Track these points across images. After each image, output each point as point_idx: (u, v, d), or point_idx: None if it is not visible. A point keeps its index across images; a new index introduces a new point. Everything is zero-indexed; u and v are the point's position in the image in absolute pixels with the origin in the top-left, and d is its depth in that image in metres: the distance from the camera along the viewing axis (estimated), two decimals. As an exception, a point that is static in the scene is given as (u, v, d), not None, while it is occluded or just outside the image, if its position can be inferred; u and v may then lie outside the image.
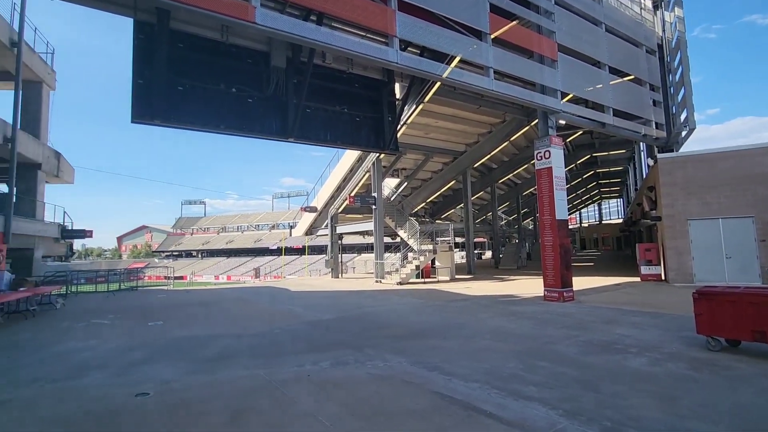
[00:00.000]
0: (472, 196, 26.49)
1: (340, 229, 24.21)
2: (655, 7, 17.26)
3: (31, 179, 16.54)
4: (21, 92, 14.55)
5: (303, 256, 62.14)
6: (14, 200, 13.99)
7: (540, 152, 11.73)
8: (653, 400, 4.16)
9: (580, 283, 14.33)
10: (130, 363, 6.21)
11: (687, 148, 17.24)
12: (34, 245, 15.82)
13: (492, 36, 10.52)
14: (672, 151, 16.22)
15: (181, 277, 50.49)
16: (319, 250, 58.28)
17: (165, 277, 29.31)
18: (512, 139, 22.91)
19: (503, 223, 40.31)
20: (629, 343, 6.41)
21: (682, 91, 15.99)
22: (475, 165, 25.05)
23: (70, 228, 17.45)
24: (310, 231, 26.10)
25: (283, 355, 6.44)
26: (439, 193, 27.94)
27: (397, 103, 14.81)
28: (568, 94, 12.49)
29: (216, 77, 10.94)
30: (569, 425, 3.64)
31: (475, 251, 43.84)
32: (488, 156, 24.22)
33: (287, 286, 20.15)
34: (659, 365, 5.29)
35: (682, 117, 16.19)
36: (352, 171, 21.46)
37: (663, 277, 15.16)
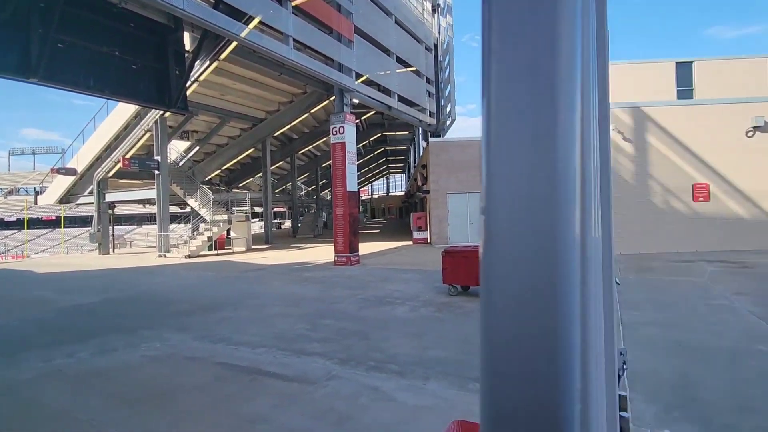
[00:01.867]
0: (272, 165, 26.07)
1: (111, 197, 20.30)
2: (434, 10, 20.10)
3: None
4: None
5: (57, 229, 49.60)
6: None
7: (335, 127, 12.42)
8: (408, 339, 5.15)
9: (366, 248, 16.09)
10: None
11: (450, 134, 21.09)
12: None
13: (293, 3, 10.38)
14: (440, 136, 19.57)
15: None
16: (82, 221, 47.62)
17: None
18: (312, 111, 23.37)
19: (302, 193, 41.25)
20: (397, 296, 7.67)
21: (449, 87, 19.33)
22: (276, 134, 24.62)
23: None
24: (67, 198, 21.02)
25: (28, 350, 5.18)
26: (236, 160, 26.42)
27: (187, 55, 13.13)
28: (362, 76, 13.50)
29: None
30: (341, 370, 4.19)
31: (275, 221, 43.60)
32: (288, 126, 24.09)
33: (32, 268, 15.88)
34: (416, 311, 6.55)
35: (448, 108, 19.63)
36: (128, 128, 18.11)
37: (428, 241, 18.47)
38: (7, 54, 9.05)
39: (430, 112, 18.36)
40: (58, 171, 18.94)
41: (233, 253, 18.03)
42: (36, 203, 25.00)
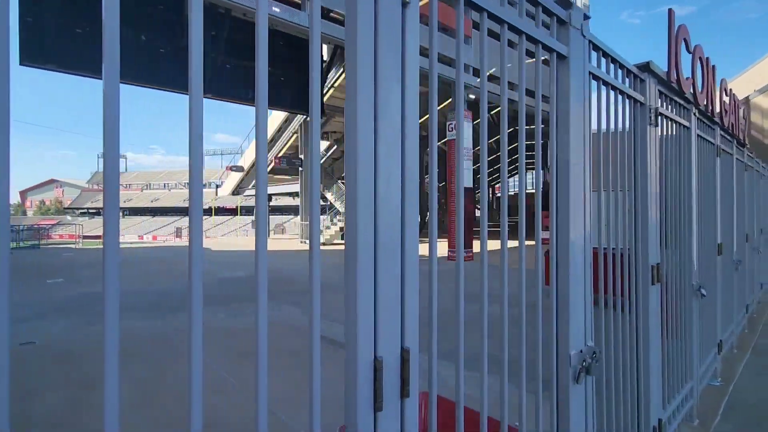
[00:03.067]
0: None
1: (269, 190, 24.04)
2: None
3: None
4: None
5: (236, 216, 60.42)
6: None
7: (450, 123, 12.53)
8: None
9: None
10: (21, 318, 6.21)
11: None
12: None
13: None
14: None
15: (98, 237, 47.21)
16: (254, 211, 56.88)
17: (78, 237, 27.40)
18: (440, 107, 23.70)
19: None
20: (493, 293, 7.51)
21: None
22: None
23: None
24: (237, 191, 25.58)
25: (182, 310, 6.79)
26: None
27: (324, 65, 14.77)
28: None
29: (123, 22, 10.16)
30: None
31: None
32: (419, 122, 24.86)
33: (210, 246, 19.94)
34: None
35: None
36: (280, 131, 21.16)
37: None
38: (185, 74, 11.56)
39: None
40: (231, 168, 23.20)
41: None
42: (216, 195, 30.92)
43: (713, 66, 3.22)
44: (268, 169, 18.65)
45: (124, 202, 76.79)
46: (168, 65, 11.06)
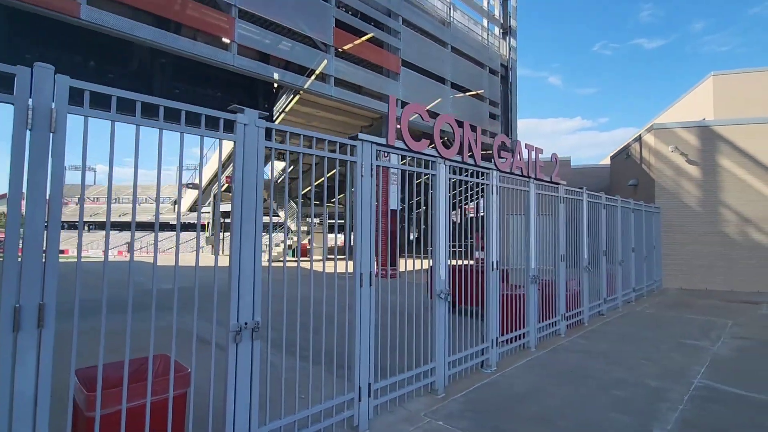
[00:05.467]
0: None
1: (224, 207, 24.68)
2: (504, 33, 20.29)
3: None
4: None
5: (204, 232, 59.72)
6: None
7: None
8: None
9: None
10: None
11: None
12: None
13: (341, 49, 12.15)
14: (507, 157, 19.50)
15: (62, 251, 45.88)
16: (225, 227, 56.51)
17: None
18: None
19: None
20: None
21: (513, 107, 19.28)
22: (360, 154, 26.89)
23: None
24: (194, 207, 26.08)
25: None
26: (329, 176, 29.51)
27: (275, 90, 15.84)
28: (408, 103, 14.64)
29: (73, 48, 10.63)
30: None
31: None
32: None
33: (161, 261, 20.25)
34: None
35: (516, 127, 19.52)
36: (231, 156, 22.00)
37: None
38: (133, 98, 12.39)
39: (490, 133, 18.52)
40: (188, 186, 23.77)
41: (309, 260, 20.39)
42: (173, 211, 31.18)
43: (520, 141, 4.47)
44: (223, 188, 19.35)
45: (90, 216, 74.74)
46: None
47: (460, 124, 4.59)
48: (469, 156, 4.60)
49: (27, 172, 1.88)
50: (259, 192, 2.79)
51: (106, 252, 2.43)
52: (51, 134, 1.97)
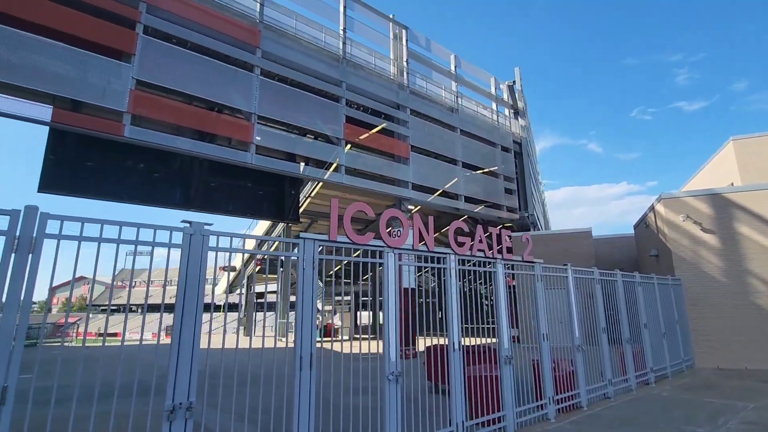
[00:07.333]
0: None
1: (258, 288, 25.75)
2: (515, 114, 21.46)
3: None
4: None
5: (232, 312, 61.10)
6: None
7: (394, 230, 14.40)
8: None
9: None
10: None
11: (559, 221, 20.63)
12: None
13: (354, 140, 13.50)
14: (529, 229, 19.56)
15: (115, 334, 47.98)
16: (268, 306, 57.66)
17: (97, 334, 28.61)
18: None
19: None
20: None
21: (531, 182, 19.69)
22: (386, 232, 27.79)
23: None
24: (230, 289, 27.36)
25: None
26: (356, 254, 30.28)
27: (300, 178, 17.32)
28: (421, 185, 15.53)
29: (123, 154, 12.57)
30: None
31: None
32: (397, 224, 27.07)
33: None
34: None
35: (533, 202, 19.74)
36: (268, 234, 23.54)
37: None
38: (175, 193, 14.00)
39: (508, 207, 18.84)
40: (223, 268, 25.23)
41: (337, 340, 20.49)
42: (211, 293, 32.63)
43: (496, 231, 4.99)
44: (256, 269, 20.61)
45: (142, 299, 78.92)
46: (163, 186, 13.53)
47: (423, 217, 5.13)
48: (422, 244, 5.06)
49: (9, 279, 2.58)
50: (201, 287, 3.37)
51: (84, 336, 3.01)
52: (30, 255, 2.69)
